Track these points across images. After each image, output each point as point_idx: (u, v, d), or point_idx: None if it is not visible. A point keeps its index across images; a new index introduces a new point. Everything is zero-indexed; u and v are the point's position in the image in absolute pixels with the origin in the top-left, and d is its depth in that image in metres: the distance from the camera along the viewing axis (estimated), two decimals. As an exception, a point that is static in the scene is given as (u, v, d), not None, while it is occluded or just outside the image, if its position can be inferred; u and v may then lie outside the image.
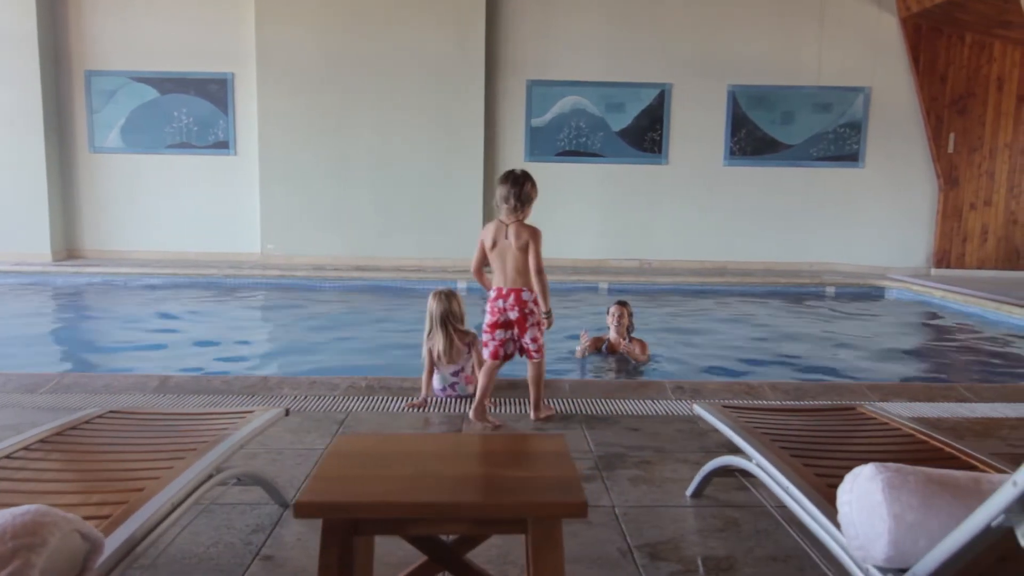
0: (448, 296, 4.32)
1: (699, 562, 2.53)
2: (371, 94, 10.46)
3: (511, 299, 3.89)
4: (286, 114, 10.46)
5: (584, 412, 4.12)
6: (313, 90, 10.43)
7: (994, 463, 2.30)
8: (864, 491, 1.71)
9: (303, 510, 1.73)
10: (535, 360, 3.95)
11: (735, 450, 2.76)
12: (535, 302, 3.90)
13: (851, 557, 1.81)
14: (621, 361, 5.81)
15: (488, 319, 3.96)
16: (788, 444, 2.61)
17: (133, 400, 4.20)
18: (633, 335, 5.92)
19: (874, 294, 9.74)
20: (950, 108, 10.67)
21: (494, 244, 3.90)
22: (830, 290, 9.76)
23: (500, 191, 3.88)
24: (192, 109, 10.65)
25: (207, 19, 10.51)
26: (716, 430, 2.95)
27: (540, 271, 3.84)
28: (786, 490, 2.27)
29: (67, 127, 10.68)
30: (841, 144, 10.92)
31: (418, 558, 2.01)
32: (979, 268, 10.81)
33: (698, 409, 3.13)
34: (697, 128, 10.87)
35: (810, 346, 7.14)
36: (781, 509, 2.86)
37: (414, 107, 10.53)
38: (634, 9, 10.66)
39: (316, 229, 10.66)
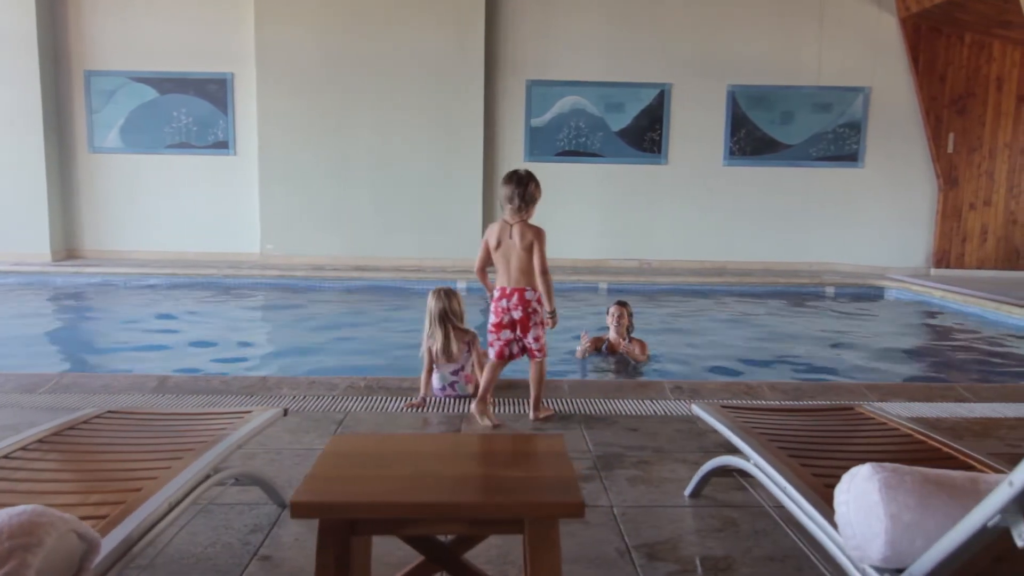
0: (448, 294, 4.32)
1: (697, 562, 2.53)
2: (371, 94, 10.47)
3: (515, 299, 3.90)
4: (286, 114, 10.47)
5: (583, 412, 4.12)
6: (313, 90, 10.44)
7: (992, 463, 2.30)
8: (861, 491, 1.71)
9: (299, 510, 1.73)
10: (537, 359, 3.95)
11: (733, 450, 2.76)
12: (538, 301, 3.91)
13: (848, 557, 1.81)
14: (621, 361, 5.81)
15: (492, 319, 3.98)
16: (786, 444, 2.61)
17: (132, 400, 4.20)
18: (633, 335, 5.93)
19: (873, 294, 9.74)
20: (950, 108, 10.67)
21: (498, 244, 3.91)
22: (829, 290, 9.76)
23: (504, 191, 3.88)
24: (192, 109, 10.65)
25: (207, 19, 10.51)
26: (714, 430, 2.95)
27: (545, 271, 3.86)
28: (783, 490, 2.27)
29: (66, 127, 10.68)
30: (841, 144, 10.92)
31: (416, 558, 2.01)
32: (979, 268, 10.82)
33: (696, 409, 3.13)
34: (697, 128, 10.87)
35: (809, 346, 7.14)
36: (779, 509, 2.85)
37: (414, 107, 10.53)
38: (634, 9, 10.66)
39: (316, 229, 10.67)
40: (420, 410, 4.15)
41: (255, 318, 8.59)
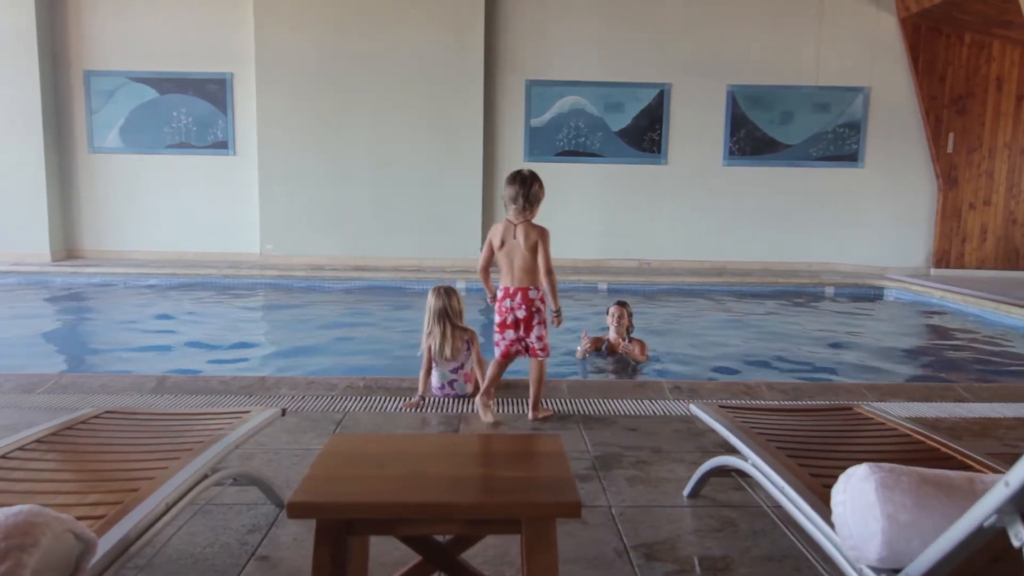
0: (447, 292, 4.33)
1: (695, 562, 2.53)
2: (370, 94, 10.47)
3: (518, 298, 3.91)
4: (285, 114, 10.47)
5: (582, 412, 4.12)
6: (312, 90, 10.44)
7: (990, 463, 2.30)
8: (857, 491, 1.71)
9: (295, 510, 1.73)
10: (539, 359, 3.96)
11: (732, 450, 2.75)
12: (542, 300, 3.94)
13: (845, 557, 1.81)
14: (620, 361, 5.81)
15: (496, 319, 4.01)
16: (784, 444, 2.61)
17: (131, 400, 4.20)
18: (633, 335, 5.92)
19: (873, 294, 9.73)
20: (949, 108, 10.67)
21: (502, 243, 3.93)
22: (829, 290, 9.75)
23: (508, 191, 3.89)
24: (191, 109, 10.65)
25: (206, 19, 10.51)
26: (713, 430, 2.95)
27: (550, 271, 3.89)
28: (781, 490, 2.27)
29: (66, 127, 10.69)
30: (840, 144, 10.92)
31: (413, 559, 2.00)
32: (978, 268, 10.82)
33: (694, 409, 3.13)
34: (696, 128, 10.87)
35: (808, 346, 7.13)
36: (777, 509, 2.85)
37: (413, 107, 10.53)
38: (633, 9, 10.66)
39: (315, 229, 10.67)
40: (418, 409, 4.15)
41: (254, 318, 8.59)
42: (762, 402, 4.25)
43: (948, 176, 10.74)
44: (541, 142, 10.85)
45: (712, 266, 10.92)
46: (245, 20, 10.41)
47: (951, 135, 10.68)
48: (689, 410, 3.35)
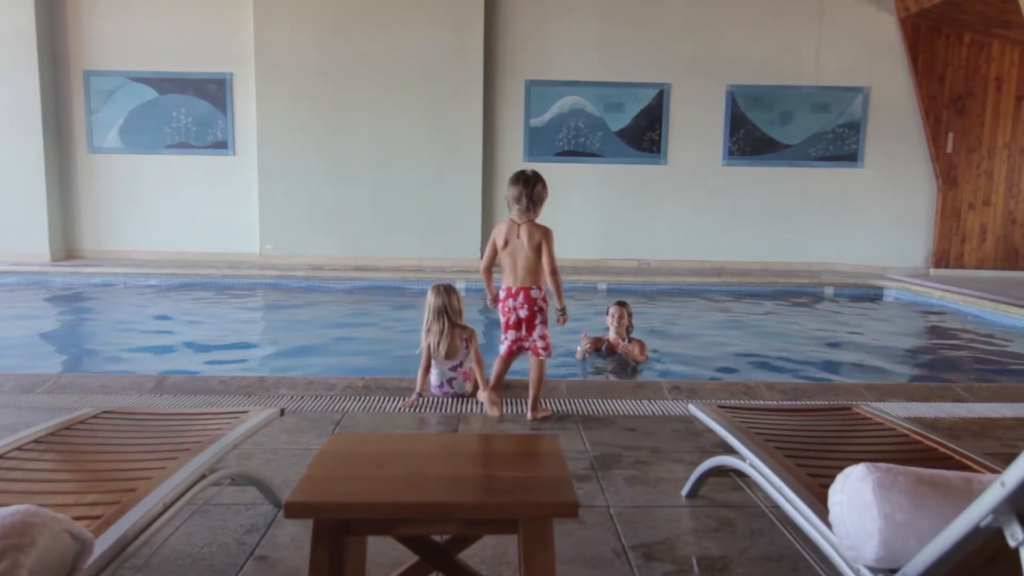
0: (447, 290, 4.34)
1: (693, 562, 2.53)
2: (370, 94, 10.47)
3: (520, 298, 3.93)
4: (285, 114, 10.47)
5: (581, 412, 4.12)
6: (312, 90, 10.44)
7: (988, 463, 2.30)
8: (855, 491, 1.71)
9: (293, 510, 1.73)
10: (541, 358, 3.97)
11: (730, 450, 2.75)
12: (544, 300, 3.95)
13: (842, 557, 1.81)
14: (620, 361, 5.81)
15: (501, 319, 4.04)
16: (782, 444, 2.61)
17: (130, 400, 4.20)
18: (632, 335, 5.93)
19: (873, 294, 9.73)
20: (949, 108, 10.67)
21: (506, 243, 3.94)
22: (829, 290, 9.75)
23: (511, 191, 3.90)
24: (191, 109, 10.65)
25: (206, 19, 10.51)
26: (712, 430, 2.95)
27: (555, 271, 3.91)
28: (779, 490, 2.27)
29: (66, 127, 10.69)
30: (840, 144, 10.92)
31: (410, 559, 2.00)
32: (978, 268, 10.82)
33: (693, 409, 3.13)
34: (696, 128, 10.87)
35: (808, 346, 7.14)
36: (775, 509, 2.86)
37: (413, 107, 10.53)
38: (633, 9, 10.66)
39: (315, 229, 10.67)
40: (415, 409, 4.14)
41: (254, 318, 8.60)
42: (761, 402, 4.25)
43: (948, 176, 10.74)
44: (541, 142, 10.85)
45: (712, 266, 10.93)
46: (245, 20, 10.42)
47: (951, 135, 10.68)
48: (688, 410, 3.35)
